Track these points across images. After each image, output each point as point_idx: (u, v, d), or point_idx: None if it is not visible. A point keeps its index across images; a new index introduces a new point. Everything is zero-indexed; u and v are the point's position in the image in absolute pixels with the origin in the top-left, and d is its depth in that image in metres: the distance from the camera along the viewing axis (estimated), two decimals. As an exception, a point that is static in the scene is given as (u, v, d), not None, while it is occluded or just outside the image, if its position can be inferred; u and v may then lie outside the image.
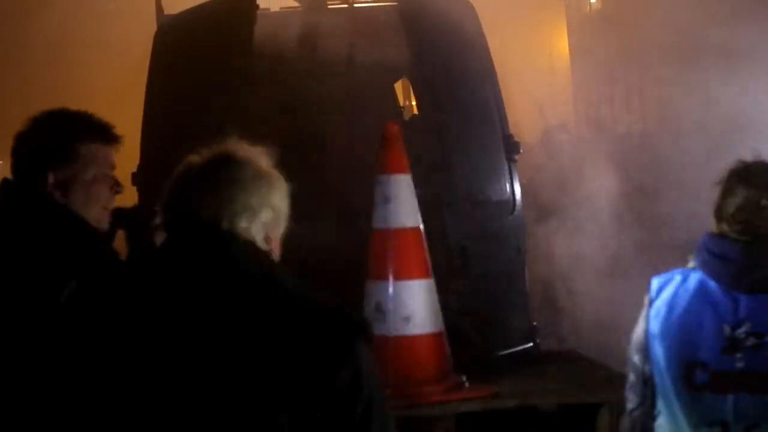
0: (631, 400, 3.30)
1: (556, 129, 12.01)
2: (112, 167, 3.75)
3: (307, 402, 2.47)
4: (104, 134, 3.72)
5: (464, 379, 4.65)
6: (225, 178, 2.65)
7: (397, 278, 4.57)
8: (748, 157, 3.43)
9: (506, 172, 7.03)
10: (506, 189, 7.02)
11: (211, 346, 2.51)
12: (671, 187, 9.05)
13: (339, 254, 6.20)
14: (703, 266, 3.20)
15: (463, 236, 6.55)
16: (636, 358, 3.28)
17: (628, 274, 8.59)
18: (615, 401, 4.45)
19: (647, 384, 3.24)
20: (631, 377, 3.30)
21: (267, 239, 2.67)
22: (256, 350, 2.50)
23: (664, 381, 3.18)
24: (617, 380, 4.68)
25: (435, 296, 4.65)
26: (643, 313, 3.28)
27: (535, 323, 7.12)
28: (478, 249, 6.62)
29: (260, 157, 2.70)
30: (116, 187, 3.75)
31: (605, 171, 8.94)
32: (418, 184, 4.71)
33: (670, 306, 3.20)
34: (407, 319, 4.52)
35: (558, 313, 9.63)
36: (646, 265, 8.61)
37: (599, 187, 8.92)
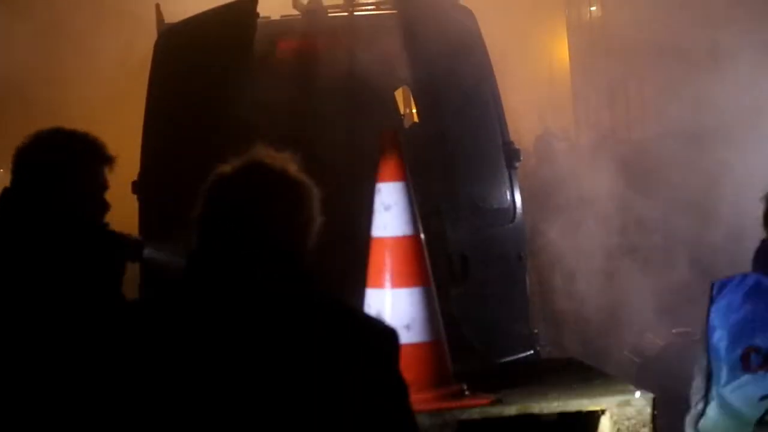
0: (695, 396, 3.70)
1: (556, 135, 12.02)
2: (105, 186, 3.84)
3: (347, 403, 2.55)
4: (99, 154, 3.82)
5: (464, 386, 4.64)
6: (260, 190, 2.66)
7: (396, 286, 4.56)
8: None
9: (506, 180, 7.04)
10: (506, 196, 7.03)
11: (254, 358, 2.55)
12: (672, 192, 9.05)
13: (338, 262, 6.21)
14: (760, 267, 3.66)
15: (463, 244, 6.55)
16: (702, 357, 3.69)
17: (627, 279, 8.60)
18: (616, 409, 4.45)
19: (709, 379, 3.68)
20: (697, 376, 3.71)
21: (301, 247, 2.69)
22: (301, 360, 2.56)
23: (720, 367, 3.63)
24: (618, 388, 4.68)
25: (435, 304, 4.64)
26: (706, 312, 3.73)
27: (535, 330, 7.13)
28: (479, 256, 6.62)
29: (289, 164, 2.71)
30: (106, 205, 3.84)
31: (606, 177, 8.94)
32: (417, 191, 4.70)
33: (730, 301, 3.66)
34: (407, 327, 4.52)
35: (558, 319, 9.64)
36: (646, 271, 8.62)
37: (599, 193, 8.92)
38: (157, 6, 7.52)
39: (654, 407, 4.45)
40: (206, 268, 2.64)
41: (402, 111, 8.51)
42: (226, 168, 2.69)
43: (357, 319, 2.70)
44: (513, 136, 7.28)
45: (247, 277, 2.61)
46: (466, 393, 4.62)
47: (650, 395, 4.49)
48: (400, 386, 2.64)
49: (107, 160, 3.84)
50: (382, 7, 7.43)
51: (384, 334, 2.68)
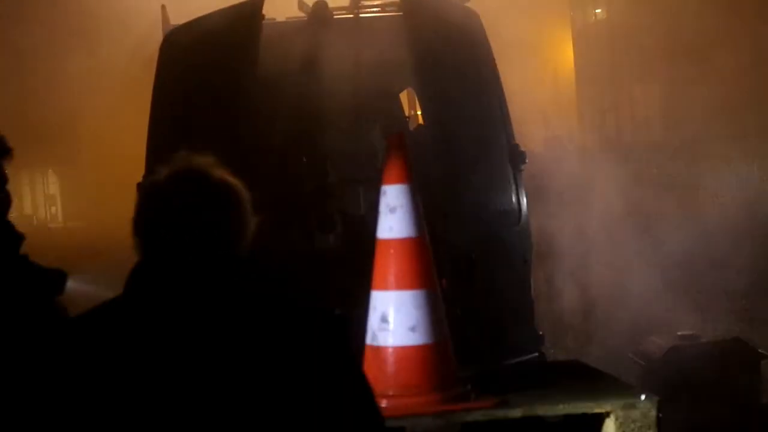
0: None
1: (561, 138, 12.02)
2: (6, 179, 3.81)
3: (300, 393, 2.58)
4: (1, 147, 3.78)
5: (469, 388, 4.64)
6: (193, 197, 2.69)
7: (401, 288, 4.56)
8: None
9: (512, 182, 7.03)
10: (512, 199, 7.02)
11: (204, 363, 2.57)
12: (678, 195, 9.05)
13: (343, 264, 6.20)
14: None
15: (468, 246, 6.55)
16: None
17: (633, 282, 8.60)
18: (621, 411, 4.44)
19: None
20: None
21: (241, 249, 2.71)
22: (251, 359, 2.58)
23: None
24: (623, 390, 4.68)
25: (440, 306, 4.64)
26: None
27: (541, 333, 7.12)
28: (484, 259, 6.62)
29: (215, 169, 2.74)
30: (9, 199, 3.81)
31: (611, 180, 8.95)
32: (423, 193, 4.70)
33: None
34: (412, 329, 4.52)
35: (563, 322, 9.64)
36: (651, 275, 8.62)
37: (605, 195, 8.92)
38: (163, 7, 7.53)
39: (659, 410, 4.44)
40: (160, 275, 2.66)
41: (407, 113, 8.51)
42: (157, 177, 2.72)
43: (311, 312, 2.71)
44: (518, 138, 7.27)
45: (205, 282, 2.64)
46: (471, 395, 4.61)
47: (655, 398, 4.49)
48: (357, 367, 2.73)
49: (7, 152, 3.81)
50: (387, 9, 7.43)
51: (337, 321, 2.72)
